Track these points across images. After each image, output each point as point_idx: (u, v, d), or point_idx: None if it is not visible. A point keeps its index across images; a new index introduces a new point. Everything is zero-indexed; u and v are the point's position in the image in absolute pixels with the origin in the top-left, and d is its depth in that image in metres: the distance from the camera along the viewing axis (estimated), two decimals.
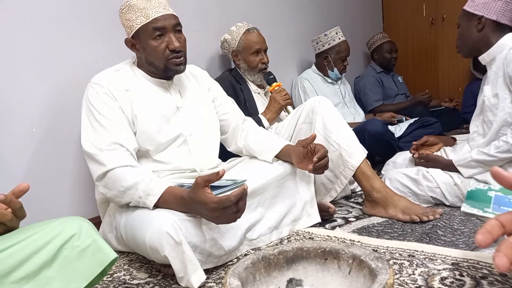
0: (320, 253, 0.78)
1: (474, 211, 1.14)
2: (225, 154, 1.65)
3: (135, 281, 1.17)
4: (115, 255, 0.85)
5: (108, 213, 1.38)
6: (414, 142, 1.74)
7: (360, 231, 1.41)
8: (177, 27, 1.36)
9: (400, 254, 1.17)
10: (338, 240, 1.32)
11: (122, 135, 1.27)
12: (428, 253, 1.16)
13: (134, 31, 1.34)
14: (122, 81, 1.35)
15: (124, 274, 1.23)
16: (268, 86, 2.06)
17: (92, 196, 1.46)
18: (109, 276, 1.21)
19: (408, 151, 1.83)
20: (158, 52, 1.34)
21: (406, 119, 2.61)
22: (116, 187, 1.20)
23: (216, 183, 1.18)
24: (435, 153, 1.72)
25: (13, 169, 1.40)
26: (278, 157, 1.49)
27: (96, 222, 1.36)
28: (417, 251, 1.18)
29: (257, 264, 0.77)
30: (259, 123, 1.86)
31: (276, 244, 1.35)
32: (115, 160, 1.22)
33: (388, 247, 1.23)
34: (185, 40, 1.39)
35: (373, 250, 1.20)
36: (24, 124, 1.43)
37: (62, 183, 1.55)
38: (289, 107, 1.97)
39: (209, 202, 1.08)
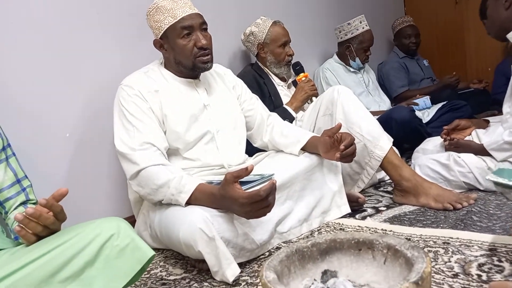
0: (354, 244, 0.78)
1: (500, 179, 1.08)
2: (251, 150, 1.66)
3: (172, 277, 1.21)
4: (152, 252, 0.88)
5: (142, 212, 1.42)
6: (444, 127, 1.69)
7: (392, 220, 1.39)
8: (203, 26, 1.39)
9: (434, 242, 1.15)
10: (370, 230, 1.32)
11: (153, 135, 1.30)
12: (463, 239, 1.13)
13: (162, 31, 1.37)
14: (151, 82, 1.39)
15: (160, 270, 1.26)
16: (294, 77, 2.06)
17: (126, 196, 1.51)
18: (146, 273, 1.25)
19: (438, 137, 1.79)
20: (187, 50, 1.36)
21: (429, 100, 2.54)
22: (149, 185, 1.24)
23: (244, 179, 1.19)
24: (467, 137, 1.67)
25: (50, 173, 1.46)
26: (304, 149, 1.49)
27: (131, 221, 1.40)
28: (452, 238, 1.16)
29: (291, 257, 0.78)
30: (286, 113, 1.87)
31: (307, 236, 1.35)
32: (147, 159, 1.25)
33: (421, 235, 1.21)
34: (211, 38, 1.42)
35: (406, 239, 1.19)
36: (59, 130, 1.49)
37: (97, 185, 1.60)
38: (313, 98, 1.96)
39: (239, 198, 1.09)
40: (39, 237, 0.89)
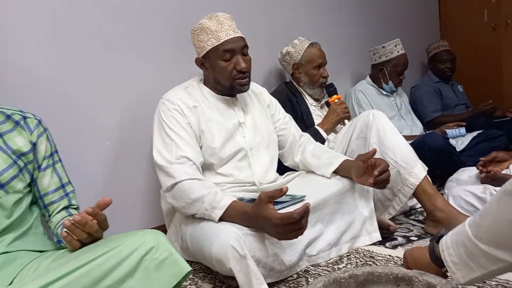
0: (392, 279, 0.78)
1: None
2: (280, 168, 1.67)
3: None
4: (189, 268, 0.90)
5: (174, 223, 1.45)
6: (481, 159, 1.66)
7: None
8: (244, 49, 1.43)
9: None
10: (401, 260, 1.29)
11: (190, 149, 1.34)
12: (500, 279, 1.10)
13: (205, 51, 1.41)
14: (191, 98, 1.43)
15: (189, 283, 1.29)
16: (327, 97, 2.07)
17: (158, 205, 1.55)
18: None
19: (473, 168, 1.75)
20: (226, 72, 1.41)
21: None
22: (183, 198, 1.27)
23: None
24: (504, 171, 1.62)
25: (90, 180, 1.52)
26: (336, 172, 1.49)
27: (162, 230, 1.44)
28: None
29: (329, 287, 0.78)
30: (317, 134, 1.87)
31: (336, 262, 1.35)
32: (183, 173, 1.29)
33: None
34: (250, 60, 1.46)
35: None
36: (101, 138, 1.56)
37: (131, 193, 1.66)
38: (346, 120, 1.96)
39: (272, 218, 1.11)
40: (83, 244, 0.93)
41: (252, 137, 1.50)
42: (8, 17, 1.35)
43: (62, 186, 1.20)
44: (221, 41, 1.38)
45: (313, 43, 2.08)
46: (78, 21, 1.50)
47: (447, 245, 0.83)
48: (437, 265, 0.87)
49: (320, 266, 1.32)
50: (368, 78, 2.65)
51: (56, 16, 1.45)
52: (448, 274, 0.85)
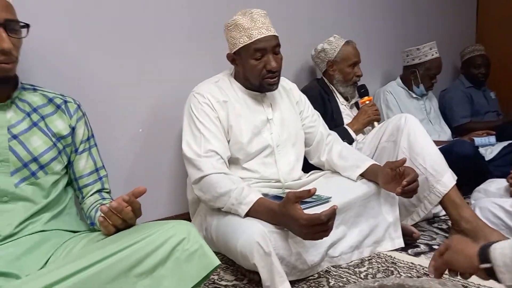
0: None
1: None
2: (305, 166, 1.67)
3: (223, 282, 1.26)
4: (218, 261, 0.92)
5: (199, 214, 1.48)
6: None
7: None
8: (276, 48, 1.42)
9: None
10: (423, 269, 1.29)
11: (218, 143, 1.36)
12: None
13: (236, 48, 1.41)
14: (221, 92, 1.44)
15: (212, 274, 1.31)
16: (358, 99, 2.06)
17: (184, 194, 1.58)
18: None
19: (502, 179, 1.71)
20: (256, 71, 1.41)
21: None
22: (210, 192, 1.29)
23: None
24: None
25: (119, 166, 1.56)
26: (362, 175, 1.49)
27: (185, 218, 1.47)
28: None
29: None
30: (346, 134, 1.86)
31: (357, 265, 1.35)
32: (211, 166, 1.31)
33: (479, 285, 1.18)
34: (281, 59, 1.45)
35: (461, 285, 1.16)
36: (133, 125, 1.60)
37: (158, 181, 1.69)
38: (376, 123, 1.94)
39: (299, 219, 1.12)
40: (117, 229, 0.97)
41: (279, 134, 1.51)
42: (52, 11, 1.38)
43: (96, 170, 1.24)
44: (253, 39, 1.38)
45: (349, 41, 2.06)
46: (114, 13, 1.53)
47: (503, 245, 0.80)
48: (480, 260, 0.83)
49: (341, 268, 1.32)
50: (399, 80, 2.60)
51: (96, 12, 1.48)
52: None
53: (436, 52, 2.46)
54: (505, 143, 2.35)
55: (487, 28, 3.53)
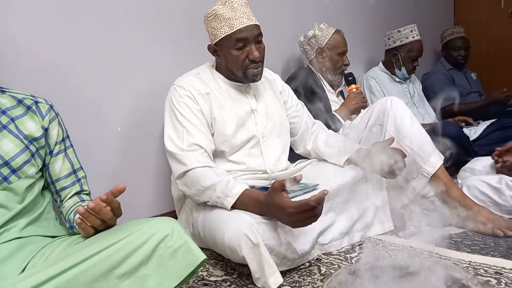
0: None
1: None
2: (291, 156, 1.65)
3: (213, 278, 1.22)
4: (204, 256, 0.89)
5: (185, 210, 1.45)
6: (497, 148, 1.63)
7: (436, 241, 1.35)
8: (258, 38, 1.38)
9: (485, 271, 1.11)
10: (414, 250, 1.28)
11: (201, 136, 1.32)
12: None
13: (217, 39, 1.37)
14: (203, 84, 1.40)
15: (201, 270, 1.28)
16: (344, 87, 2.05)
17: (169, 192, 1.54)
18: None
19: (487, 157, 1.72)
20: (238, 61, 1.37)
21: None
22: (195, 186, 1.26)
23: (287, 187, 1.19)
24: None
25: (100, 165, 1.51)
26: (349, 161, 1.47)
27: (172, 216, 1.43)
28: (504, 268, 1.11)
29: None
30: (334, 119, 1.85)
31: (348, 250, 1.34)
32: (194, 160, 1.27)
33: (470, 261, 1.17)
34: (264, 48, 1.41)
35: (453, 263, 1.15)
36: (112, 124, 1.54)
37: (141, 179, 1.65)
38: (362, 110, 1.93)
39: (287, 207, 1.09)
40: (96, 231, 0.93)
41: (264, 125, 1.48)
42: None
43: (74, 171, 1.19)
44: (234, 29, 1.34)
45: (338, 30, 2.07)
46: (92, 7, 1.47)
47: None
48: None
49: (333, 255, 1.31)
50: (381, 65, 2.60)
51: (74, 11, 1.43)
52: None
53: (417, 35, 2.47)
54: (488, 122, 2.38)
55: (465, 9, 3.56)
